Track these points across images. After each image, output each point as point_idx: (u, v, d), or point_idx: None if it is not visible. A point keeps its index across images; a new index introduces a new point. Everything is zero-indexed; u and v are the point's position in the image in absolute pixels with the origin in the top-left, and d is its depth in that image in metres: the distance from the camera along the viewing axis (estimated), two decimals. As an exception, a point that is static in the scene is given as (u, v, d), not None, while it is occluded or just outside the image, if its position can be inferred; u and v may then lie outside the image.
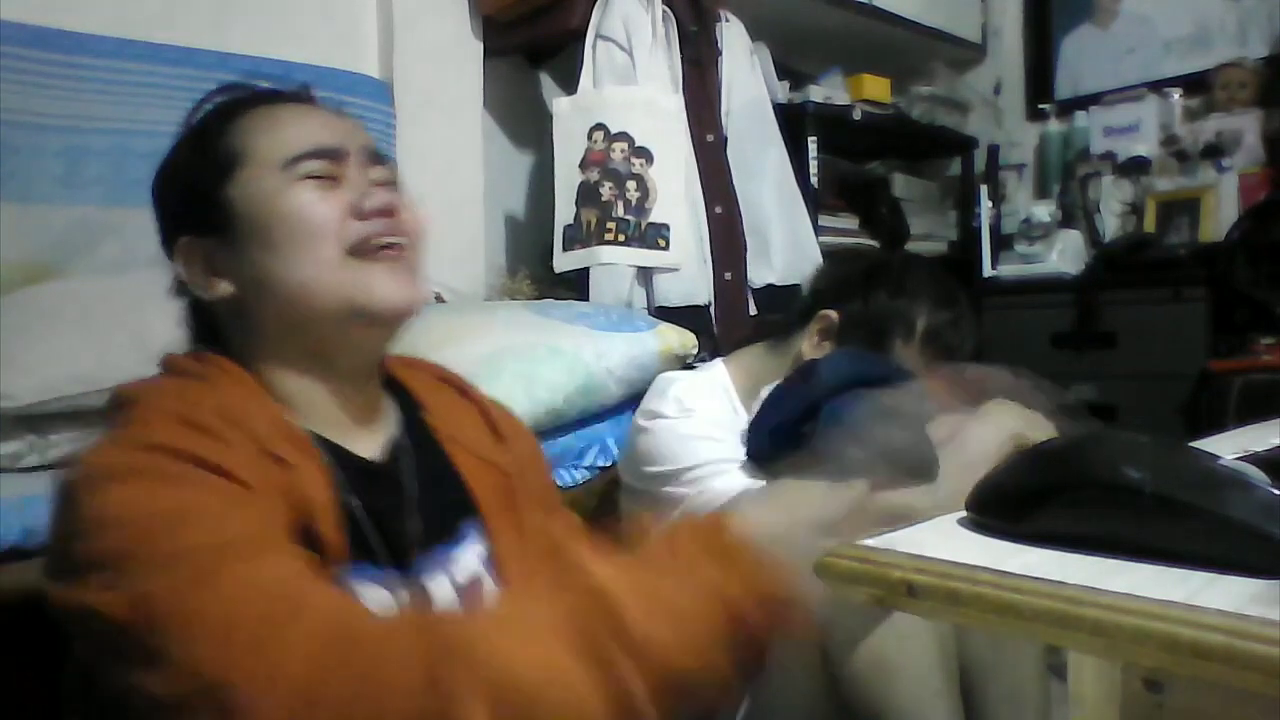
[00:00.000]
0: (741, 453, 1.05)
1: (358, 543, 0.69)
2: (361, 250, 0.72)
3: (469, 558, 0.77)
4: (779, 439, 0.97)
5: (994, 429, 0.94)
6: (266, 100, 0.78)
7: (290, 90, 0.80)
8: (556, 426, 1.36)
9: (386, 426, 0.79)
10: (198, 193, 0.74)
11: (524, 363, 1.32)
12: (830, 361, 1.01)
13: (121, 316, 1.20)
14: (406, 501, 0.75)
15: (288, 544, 0.62)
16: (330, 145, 0.74)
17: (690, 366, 1.46)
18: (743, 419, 1.12)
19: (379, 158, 0.78)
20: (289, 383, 0.74)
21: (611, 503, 1.28)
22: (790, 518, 0.71)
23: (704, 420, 1.09)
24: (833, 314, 1.13)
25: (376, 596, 0.68)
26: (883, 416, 0.89)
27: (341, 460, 0.72)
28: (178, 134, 0.79)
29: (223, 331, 0.76)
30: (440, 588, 0.73)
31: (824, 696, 0.99)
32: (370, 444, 0.77)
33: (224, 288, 0.73)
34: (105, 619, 0.56)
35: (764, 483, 0.98)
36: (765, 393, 1.06)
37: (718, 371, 1.21)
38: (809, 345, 1.14)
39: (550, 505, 0.89)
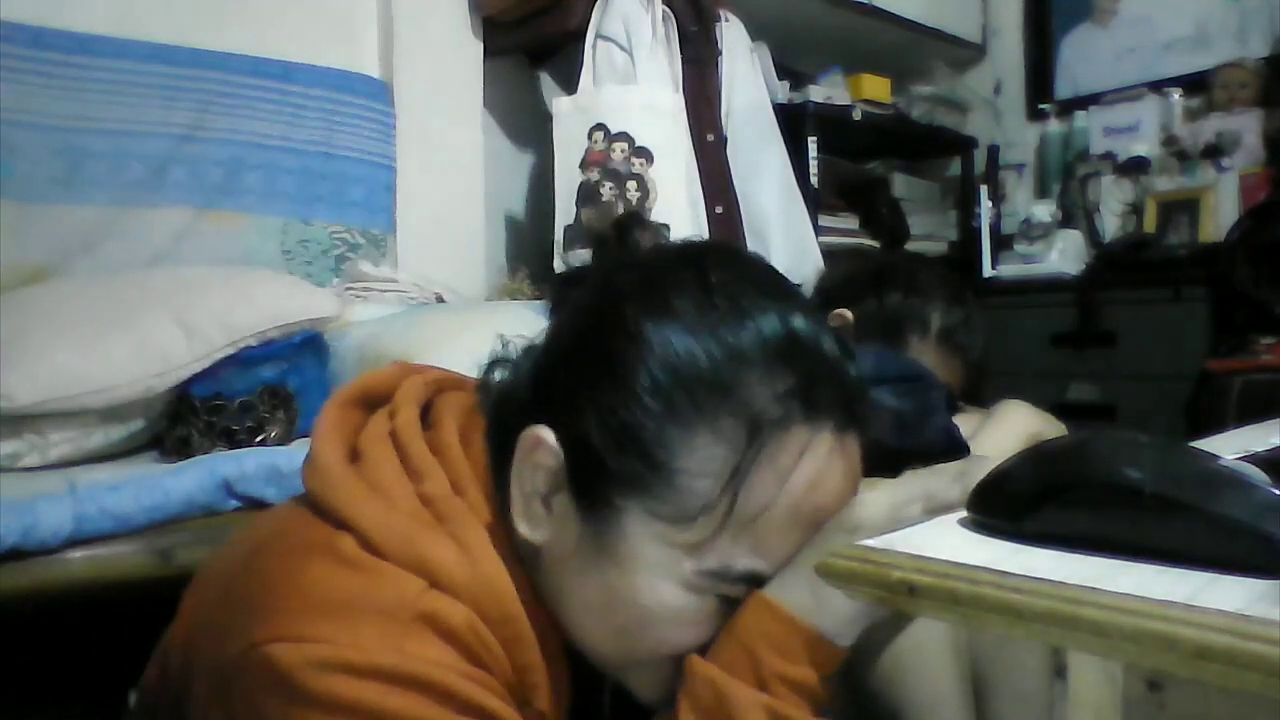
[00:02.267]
0: None
1: None
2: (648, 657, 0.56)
3: None
4: None
5: (1010, 428, 0.96)
6: (772, 423, 0.52)
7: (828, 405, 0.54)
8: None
9: None
10: (588, 441, 0.54)
11: (524, 363, 1.32)
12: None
13: (121, 316, 1.20)
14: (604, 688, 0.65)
15: None
16: (767, 570, 0.54)
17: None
18: None
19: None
20: None
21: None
22: (857, 520, 0.66)
23: None
24: (847, 313, 1.13)
25: None
26: (919, 410, 0.89)
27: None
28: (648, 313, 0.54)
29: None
30: None
31: (838, 693, 0.99)
32: None
33: (534, 531, 0.55)
34: None
35: None
36: None
37: None
38: None
39: None
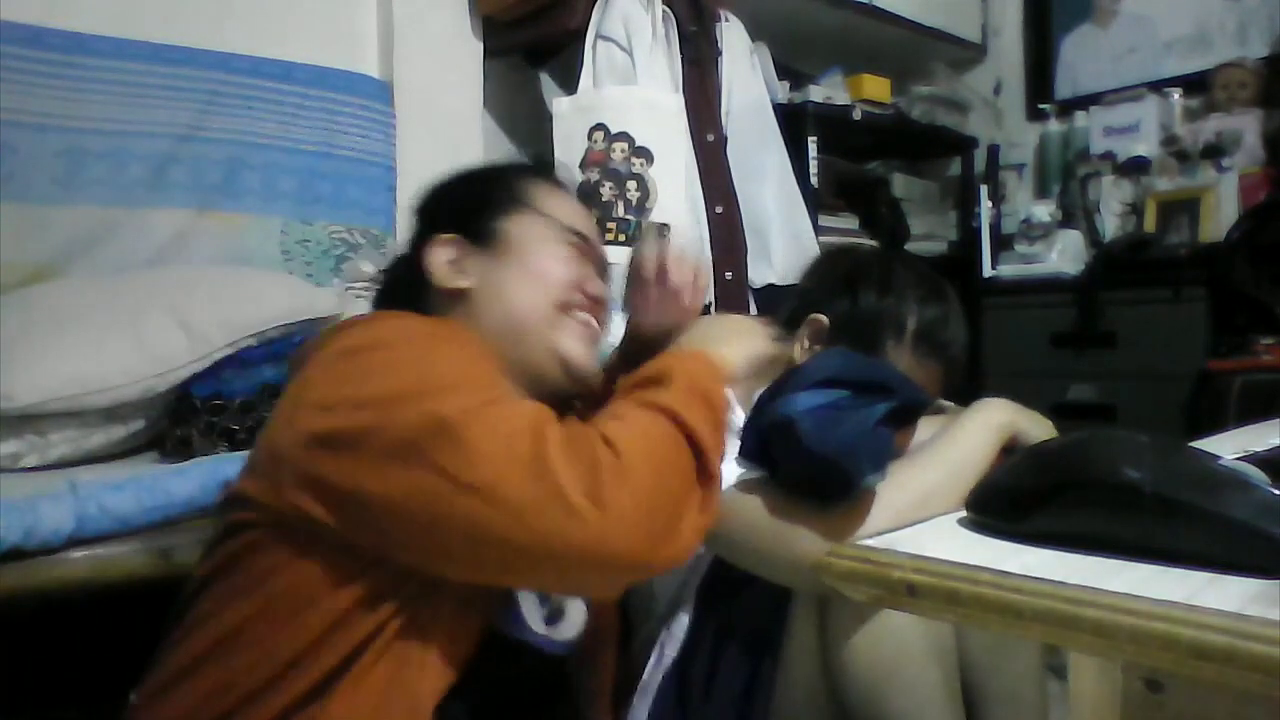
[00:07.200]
0: (735, 448, 1.01)
1: None
2: (565, 308, 0.91)
3: None
4: (749, 446, 0.93)
5: (980, 422, 0.91)
6: (558, 184, 1.01)
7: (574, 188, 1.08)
8: (557, 426, 1.36)
9: None
10: (482, 212, 0.93)
11: (524, 363, 1.32)
12: (808, 366, 0.95)
13: (121, 317, 1.20)
14: None
15: None
16: (591, 238, 0.97)
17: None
18: (738, 419, 1.09)
19: (604, 271, 0.99)
20: None
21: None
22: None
23: None
24: (822, 318, 1.10)
25: None
26: (826, 423, 0.82)
27: None
28: (474, 170, 1.01)
29: (428, 309, 0.91)
30: None
31: (827, 702, 0.99)
32: None
33: (463, 282, 0.90)
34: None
35: (761, 473, 0.93)
36: (756, 397, 1.03)
37: None
38: (799, 351, 1.11)
39: None
